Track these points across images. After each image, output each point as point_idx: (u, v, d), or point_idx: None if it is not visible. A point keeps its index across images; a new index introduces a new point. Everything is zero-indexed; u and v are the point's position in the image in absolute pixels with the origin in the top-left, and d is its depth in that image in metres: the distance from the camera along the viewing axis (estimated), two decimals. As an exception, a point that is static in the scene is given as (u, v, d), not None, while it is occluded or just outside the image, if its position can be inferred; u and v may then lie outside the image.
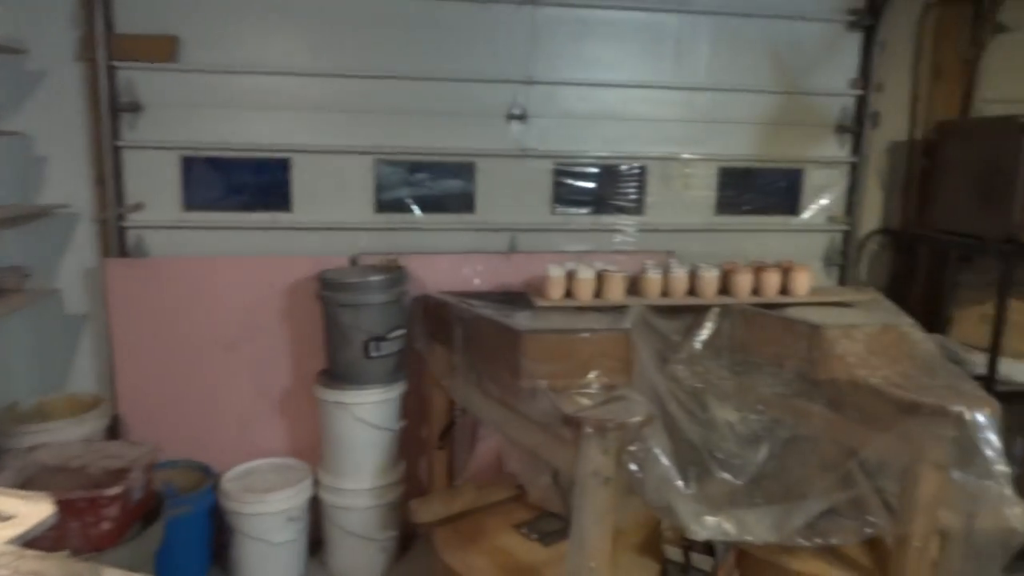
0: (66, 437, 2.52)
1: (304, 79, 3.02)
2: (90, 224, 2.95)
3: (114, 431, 2.90)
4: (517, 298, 2.85)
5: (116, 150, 2.91)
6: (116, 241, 2.93)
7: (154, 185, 2.98)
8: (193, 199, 3.03)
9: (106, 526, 2.14)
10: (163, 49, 2.89)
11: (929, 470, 2.17)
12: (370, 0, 3.01)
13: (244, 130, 3.00)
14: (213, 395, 3.00)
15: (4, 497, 1.39)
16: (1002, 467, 2.07)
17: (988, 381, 2.77)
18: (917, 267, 3.47)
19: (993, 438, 2.08)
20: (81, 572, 1.19)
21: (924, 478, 2.17)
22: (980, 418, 2.10)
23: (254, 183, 3.09)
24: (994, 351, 2.78)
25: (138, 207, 2.98)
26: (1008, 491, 2.06)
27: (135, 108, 2.92)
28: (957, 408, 2.11)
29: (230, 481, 2.83)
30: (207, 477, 2.85)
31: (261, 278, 2.99)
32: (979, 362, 2.85)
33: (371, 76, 3.05)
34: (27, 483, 2.21)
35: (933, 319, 3.37)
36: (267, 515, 2.72)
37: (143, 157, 2.96)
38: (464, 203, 3.24)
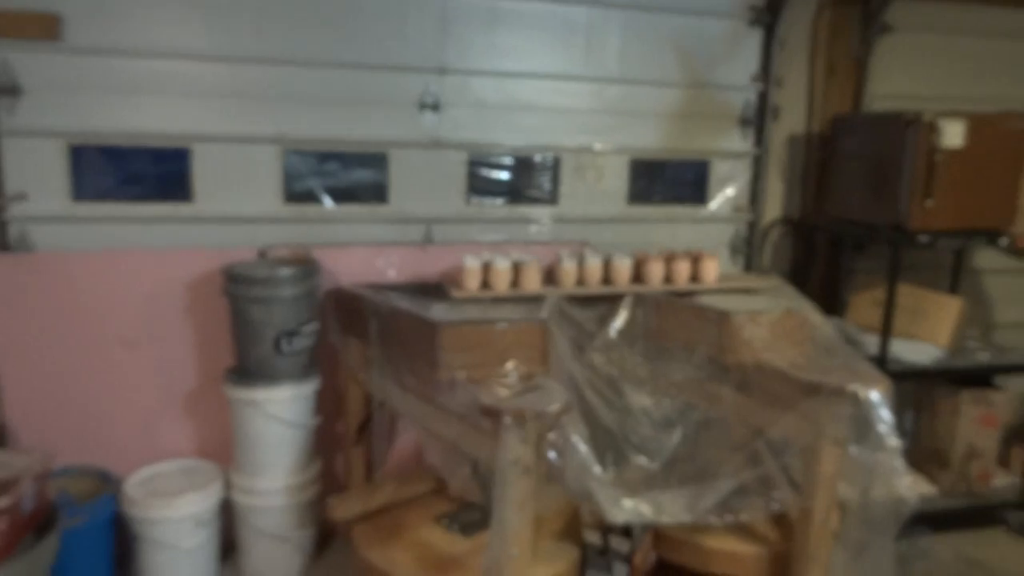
0: (-56, 449, 2.32)
1: (204, 63, 2.87)
2: (-34, 216, 2.72)
3: (0, 440, 2.69)
4: (433, 290, 2.83)
5: (-7, 136, 2.69)
6: (-3, 235, 2.71)
7: (38, 174, 2.76)
8: (83, 189, 2.83)
9: (-7, 542, 1.98)
10: (43, 27, 2.68)
11: (829, 446, 2.30)
12: (275, -18, 2.89)
13: (138, 117, 2.83)
14: (113, 397, 2.83)
15: None
16: (894, 441, 2.22)
17: (880, 361, 2.95)
18: (816, 254, 3.66)
19: (886, 414, 2.23)
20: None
21: (824, 454, 2.30)
22: (874, 396, 2.24)
23: (152, 173, 2.91)
24: (885, 333, 2.97)
25: (20, 198, 2.76)
26: (899, 463, 2.21)
27: (13, 91, 2.70)
28: (853, 388, 2.25)
29: (133, 486, 2.68)
30: (107, 484, 2.69)
31: (162, 272, 2.83)
32: (872, 343, 3.04)
33: (278, 62, 2.93)
34: (-101, 501, 2.02)
35: (831, 303, 3.57)
36: (175, 520, 2.59)
37: (24, 144, 2.74)
38: (377, 194, 3.17)
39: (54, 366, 2.76)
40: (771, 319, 2.50)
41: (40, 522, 2.22)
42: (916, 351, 3.11)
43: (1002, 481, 3.44)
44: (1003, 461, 3.60)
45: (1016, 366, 3.26)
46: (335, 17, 2.97)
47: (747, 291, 2.90)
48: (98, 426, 2.82)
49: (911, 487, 2.22)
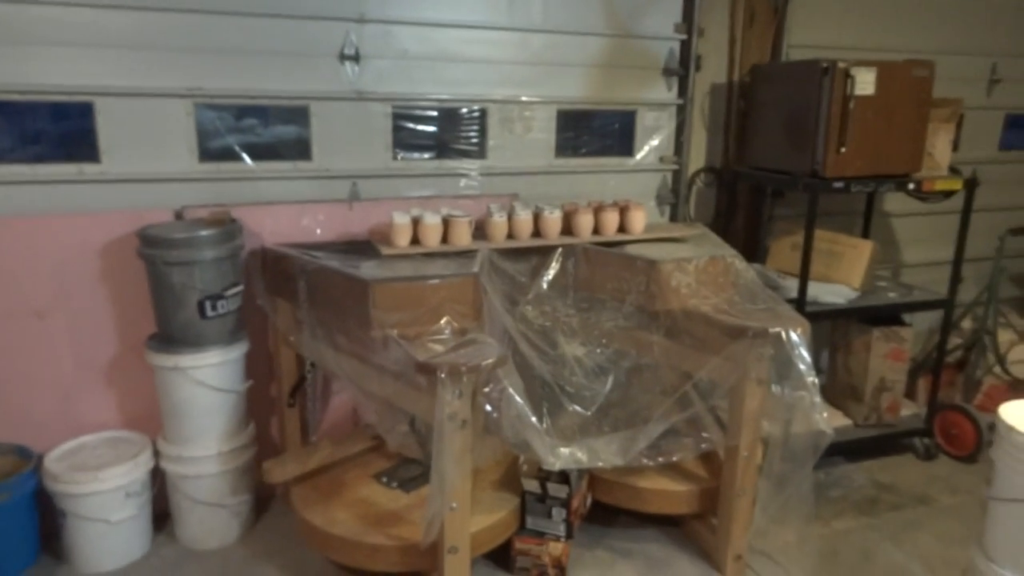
0: None
1: (106, 11, 2.66)
2: None
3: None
4: (362, 247, 2.77)
5: None
6: None
7: (-77, 134, 2.55)
8: (-24, 150, 2.63)
9: (-98, 528, 1.88)
10: (-81, -29, 2.44)
11: (753, 386, 2.41)
12: (178, -77, 2.70)
13: (34, 69, 2.62)
14: (25, 370, 2.69)
15: None
16: (812, 378, 2.35)
17: (799, 303, 3.08)
18: (738, 202, 3.76)
19: (805, 354, 2.35)
20: None
21: (749, 394, 2.41)
22: (794, 337, 2.35)
23: (52, 131, 2.72)
24: (803, 276, 3.09)
25: (-95, 161, 2.54)
26: (817, 399, 2.35)
27: None
28: (776, 329, 2.35)
29: (55, 461, 2.58)
30: (26, 460, 2.58)
31: (71, 237, 2.67)
32: (791, 287, 3.16)
33: (188, 10, 2.75)
34: None
35: (752, 249, 3.70)
36: (102, 493, 2.51)
37: (-94, 101, 2.52)
38: (300, 150, 3.06)
39: (-43, 340, 2.59)
40: (697, 266, 2.58)
41: (-46, 504, 2.12)
42: (832, 292, 3.27)
43: (909, 411, 3.69)
44: (910, 393, 3.86)
45: (922, 303, 3.47)
46: (246, -38, 2.81)
47: (673, 240, 2.97)
48: (12, 401, 2.68)
49: (828, 421, 2.36)
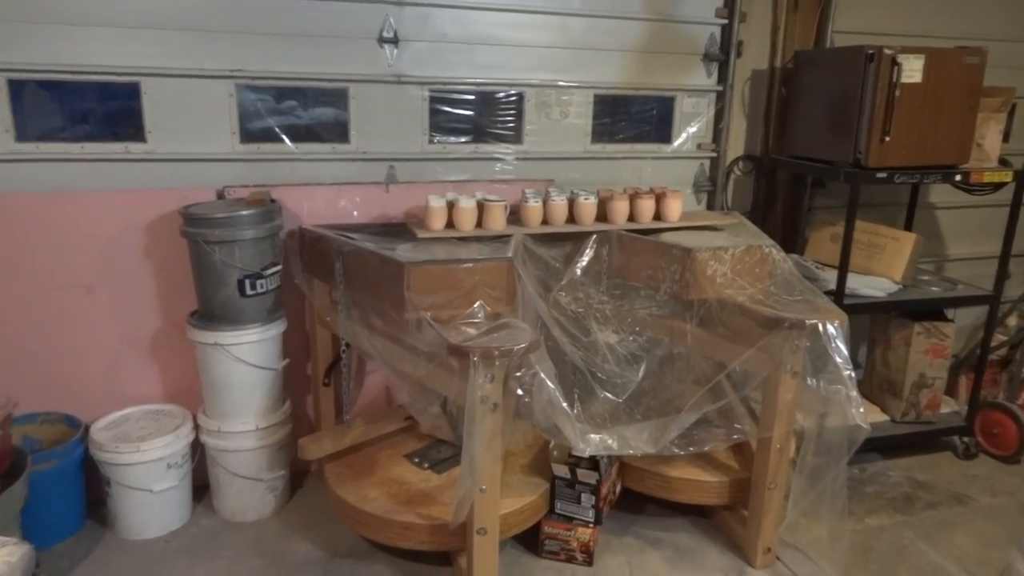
0: (-103, 398, 2.27)
1: (152, -7, 2.73)
2: (-98, 158, 2.58)
3: (-43, 388, 2.63)
4: (398, 230, 2.80)
5: (-75, 71, 2.54)
6: (-63, 177, 2.59)
7: (-22, 113, 2.63)
8: (27, 128, 2.70)
9: (-42, 490, 1.97)
10: (-25, -48, 2.51)
11: (787, 378, 2.38)
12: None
13: (82, 50, 2.68)
14: (74, 342, 2.78)
15: None
16: (849, 372, 2.31)
17: (838, 295, 3.03)
18: (777, 191, 3.70)
19: (842, 346, 2.31)
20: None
21: (783, 385, 2.39)
22: (831, 329, 2.32)
23: (100, 110, 2.79)
24: (843, 268, 3.04)
25: (-39, 138, 2.63)
26: (854, 393, 2.31)
27: (-55, 23, 2.54)
28: (812, 321, 2.32)
29: (100, 431, 2.67)
30: (74, 429, 2.67)
31: (118, 214, 2.75)
32: (830, 278, 3.11)
33: (229, -8, 2.80)
34: None
35: (791, 240, 3.64)
36: (145, 464, 2.59)
37: (-38, 80, 2.60)
38: (338, 132, 3.09)
39: (11, 312, 2.68)
40: (733, 255, 2.55)
41: (7, 468, 2.21)
42: (872, 285, 3.20)
43: (949, 408, 3.61)
44: (950, 390, 3.77)
45: (966, 298, 3.38)
46: (289, -55, 2.83)
47: (710, 228, 2.94)
48: (61, 371, 2.77)
49: (864, 416, 2.32)
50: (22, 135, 2.69)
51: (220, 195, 2.86)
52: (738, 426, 2.59)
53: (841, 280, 3.04)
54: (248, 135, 2.96)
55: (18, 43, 2.61)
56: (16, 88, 2.65)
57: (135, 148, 2.83)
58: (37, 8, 2.60)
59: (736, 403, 2.55)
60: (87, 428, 2.68)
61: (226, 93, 2.89)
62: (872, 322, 3.67)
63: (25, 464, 2.29)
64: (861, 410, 2.32)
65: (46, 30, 2.63)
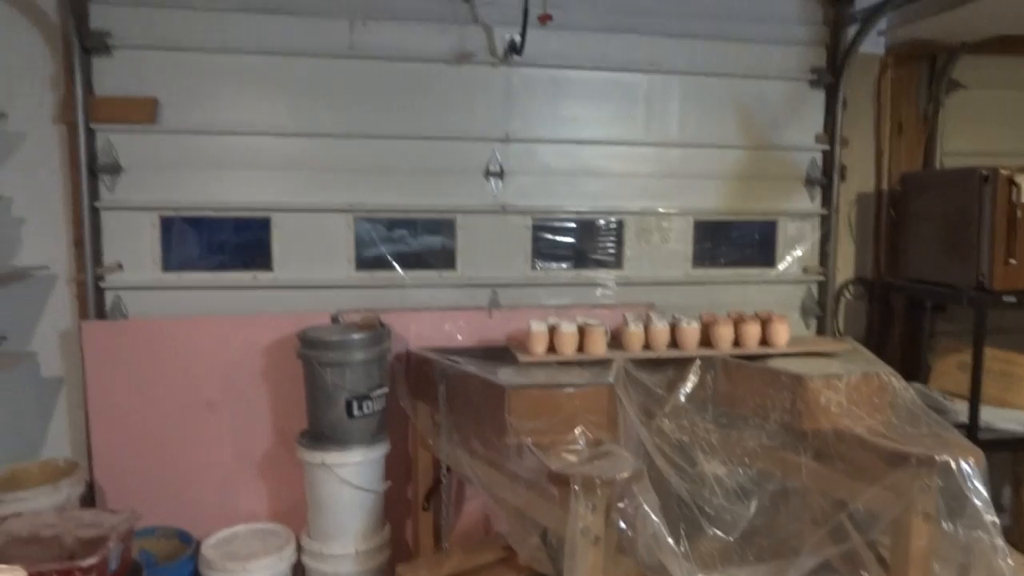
0: (39, 505, 2.44)
1: (282, 139, 3.05)
2: (67, 286, 2.91)
3: (89, 498, 2.81)
4: (500, 354, 2.84)
5: (94, 211, 2.89)
6: (94, 303, 2.89)
7: (132, 246, 2.96)
8: (172, 259, 3.01)
9: (80, 600, 2.05)
10: (142, 111, 2.91)
11: (919, 522, 2.16)
12: (347, 62, 3.06)
13: (223, 190, 3.01)
14: (192, 458, 2.93)
15: (-25, 575, 1.33)
16: (991, 517, 2.08)
17: (970, 429, 2.80)
18: (892, 316, 3.53)
19: (980, 487, 2.10)
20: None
21: (915, 530, 2.17)
22: (966, 467, 2.11)
23: (234, 242, 3.09)
24: (974, 399, 2.82)
25: (116, 268, 2.95)
26: (999, 542, 2.07)
27: (114, 169, 2.92)
28: (943, 457, 2.13)
29: (211, 548, 2.74)
30: (186, 545, 2.75)
31: (241, 337, 2.95)
32: (960, 410, 2.89)
33: (349, 135, 3.09)
34: (-4, 557, 2.12)
35: (911, 368, 3.43)
36: (249, 584, 2.63)
37: (121, 218, 2.94)
38: (445, 259, 3.25)
39: (140, 428, 2.88)
40: (849, 383, 2.41)
41: (122, 582, 2.28)
42: (1010, 419, 2.93)
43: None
44: (1114, 538, 3.32)
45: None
46: (406, 93, 3.12)
47: (821, 355, 2.82)
48: (178, 487, 2.91)
49: (1013, 569, 2.06)
50: (167, 266, 3.00)
51: (334, 319, 3.02)
52: (865, 574, 2.36)
53: (973, 412, 2.82)
54: (362, 262, 3.16)
55: (170, 186, 2.96)
56: (166, 224, 2.99)
57: (262, 276, 3.07)
58: (186, 156, 2.97)
59: (861, 547, 2.33)
60: (198, 545, 2.76)
61: (344, 224, 3.12)
62: (1015, 461, 3.32)
63: (139, 578, 2.37)
64: (1010, 561, 2.06)
65: (193, 174, 2.98)
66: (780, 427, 2.48)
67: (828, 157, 3.52)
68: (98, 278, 2.90)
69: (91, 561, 2.06)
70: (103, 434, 2.85)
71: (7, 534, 2.24)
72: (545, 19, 2.98)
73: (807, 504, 2.53)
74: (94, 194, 2.89)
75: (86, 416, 2.86)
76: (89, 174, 2.86)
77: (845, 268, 3.59)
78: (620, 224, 3.39)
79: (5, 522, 2.28)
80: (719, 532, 2.44)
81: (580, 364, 2.66)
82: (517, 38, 2.98)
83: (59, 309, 2.91)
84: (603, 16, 3.26)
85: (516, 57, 3.08)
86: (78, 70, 2.79)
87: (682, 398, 2.65)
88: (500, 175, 3.24)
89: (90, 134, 2.86)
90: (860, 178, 3.59)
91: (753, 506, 2.48)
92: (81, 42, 2.79)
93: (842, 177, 3.53)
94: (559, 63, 3.24)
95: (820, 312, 3.57)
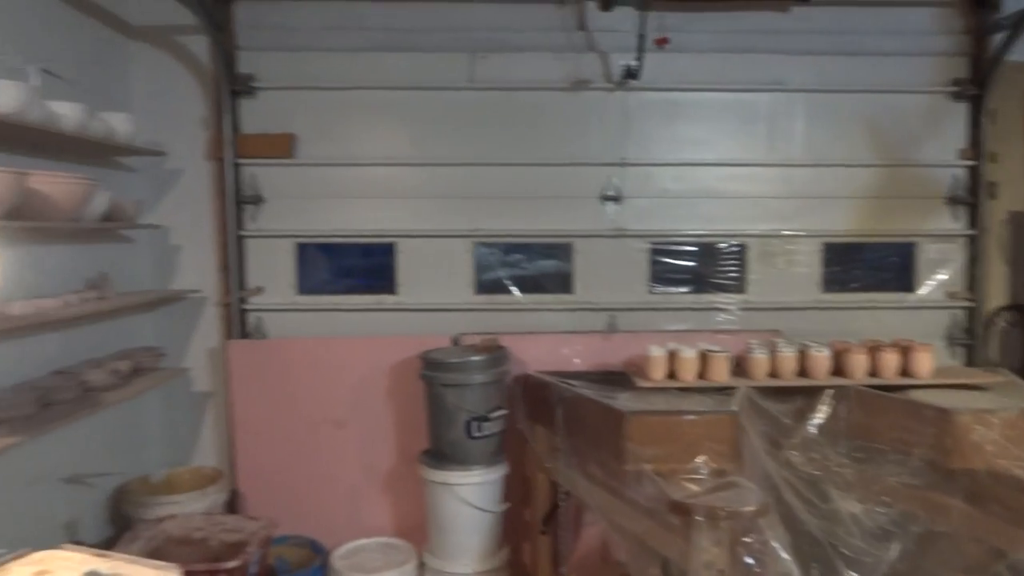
0: (190, 509, 2.65)
1: (407, 168, 3.20)
2: (215, 307, 3.16)
3: (232, 505, 3.02)
4: (618, 378, 2.81)
5: (239, 239, 3.14)
6: (238, 323, 3.13)
7: (272, 270, 3.18)
8: (306, 283, 3.21)
9: (224, 600, 2.19)
10: (282, 146, 3.14)
11: (1092, 576, 1.94)
12: (467, 93, 3.17)
13: (352, 217, 3.19)
14: (324, 472, 3.09)
15: (137, 566, 1.46)
16: None
17: None
18: (1054, 346, 3.21)
19: None
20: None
21: (1087, 585, 1.95)
22: None
23: (362, 267, 3.26)
24: None
25: (258, 291, 3.17)
26: None
27: (257, 200, 3.16)
28: (1121, 505, 1.90)
29: (339, 559, 2.87)
30: (316, 554, 2.89)
31: (367, 357, 3.09)
32: None
33: (469, 163, 3.19)
34: (154, 553, 2.31)
35: (1077, 402, 3.08)
36: (373, 596, 2.72)
37: (262, 245, 3.18)
38: (562, 283, 3.27)
39: (277, 441, 3.07)
40: (1005, 419, 2.21)
41: (260, 587, 2.42)
42: None
43: None
44: None
45: None
46: (524, 121, 3.20)
47: (971, 387, 2.59)
48: (311, 498, 3.07)
49: None
50: (302, 289, 3.20)
51: (454, 342, 3.10)
52: (1026, 630, 2.13)
53: None
54: (481, 286, 3.24)
55: (304, 214, 3.16)
56: (301, 250, 3.19)
57: (387, 299, 3.21)
58: (319, 186, 3.17)
59: (1022, 600, 2.11)
60: (327, 555, 2.88)
61: (464, 249, 3.22)
62: None
63: (276, 584, 2.51)
64: None
65: (326, 203, 3.17)
66: (925, 464, 2.30)
67: (974, 173, 3.26)
68: (242, 300, 3.14)
69: (234, 564, 2.21)
70: (245, 445, 3.07)
71: (163, 534, 2.44)
72: (662, 42, 2.97)
73: (959, 551, 2.31)
74: (239, 223, 3.14)
75: (230, 428, 3.09)
76: (236, 205, 3.11)
77: (997, 293, 3.30)
78: (742, 247, 3.29)
79: (162, 523, 2.48)
80: (856, 575, 2.28)
81: (701, 391, 2.58)
82: (633, 63, 2.98)
83: (208, 329, 3.17)
84: (722, 37, 3.20)
85: (632, 81, 3.08)
86: (227, 110, 3.05)
87: (812, 429, 2.51)
88: (617, 199, 3.24)
89: (236, 169, 3.12)
90: (1012, 196, 3.31)
91: (895, 549, 2.30)
92: (230, 85, 3.05)
93: (991, 195, 3.26)
94: (676, 85, 3.21)
95: (969, 341, 3.29)
